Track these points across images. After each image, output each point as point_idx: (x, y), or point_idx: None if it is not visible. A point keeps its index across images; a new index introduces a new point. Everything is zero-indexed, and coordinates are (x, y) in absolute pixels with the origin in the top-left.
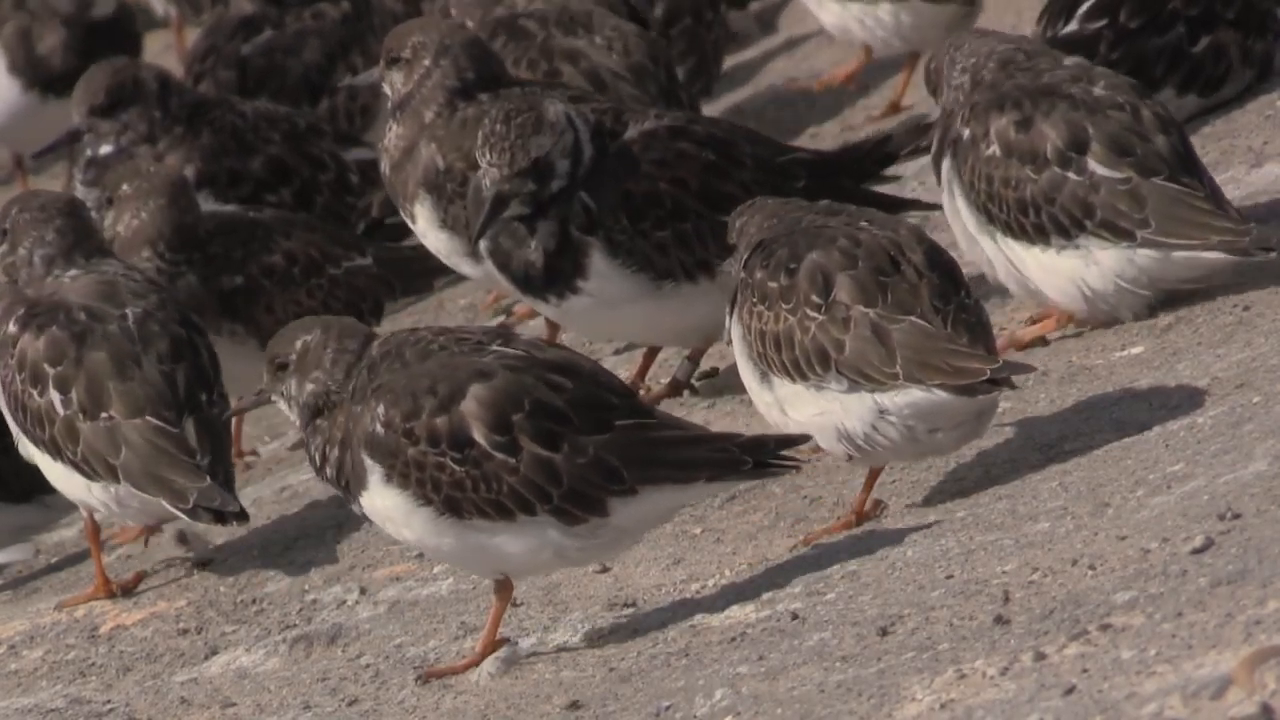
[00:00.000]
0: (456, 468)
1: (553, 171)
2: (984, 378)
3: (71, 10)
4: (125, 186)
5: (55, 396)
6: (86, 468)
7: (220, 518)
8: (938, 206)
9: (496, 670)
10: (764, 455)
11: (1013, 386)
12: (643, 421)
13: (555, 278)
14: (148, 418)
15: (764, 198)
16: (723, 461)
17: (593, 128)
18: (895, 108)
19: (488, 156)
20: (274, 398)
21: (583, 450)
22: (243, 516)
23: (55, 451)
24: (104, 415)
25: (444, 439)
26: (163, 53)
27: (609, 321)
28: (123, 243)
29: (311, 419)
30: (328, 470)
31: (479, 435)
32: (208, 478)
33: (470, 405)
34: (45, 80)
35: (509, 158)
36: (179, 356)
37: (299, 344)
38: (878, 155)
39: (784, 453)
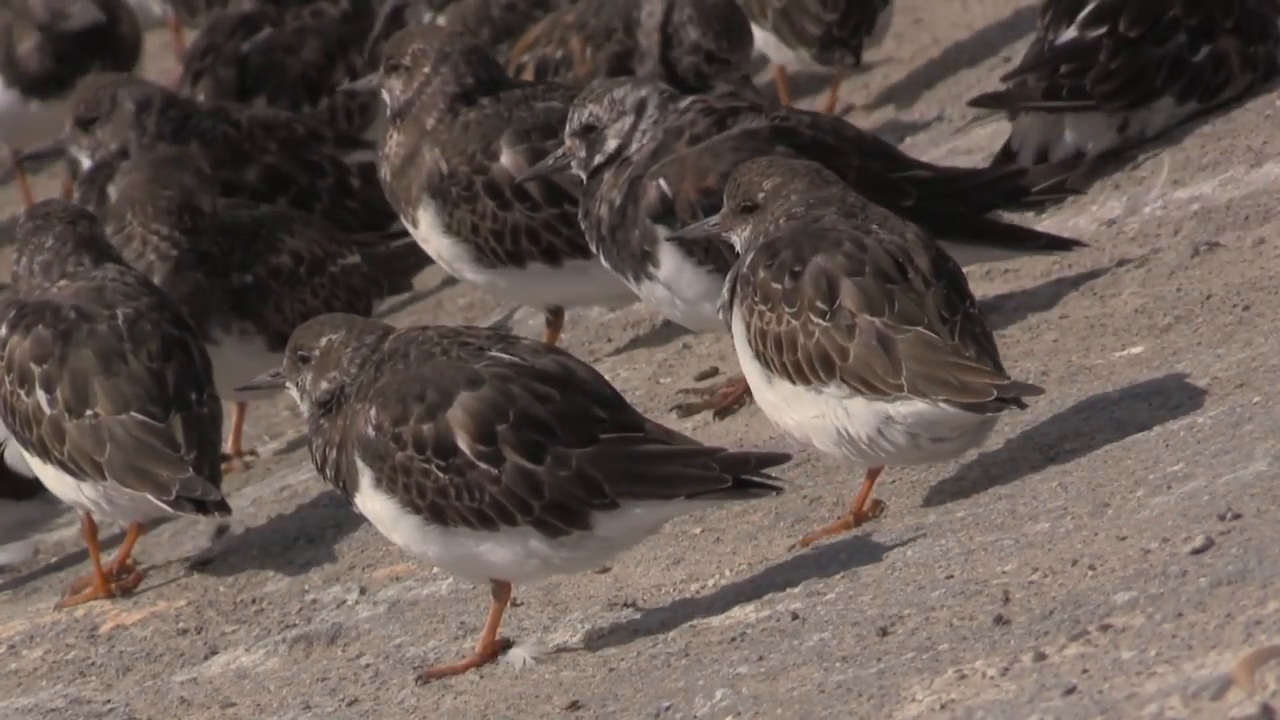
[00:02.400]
0: (441, 475)
1: (602, 143)
2: (992, 396)
3: (45, 19)
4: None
5: (42, 396)
6: (74, 466)
7: (202, 508)
8: (1071, 245)
9: (522, 666)
10: (744, 473)
11: (1022, 406)
12: (627, 435)
13: (628, 257)
14: (133, 413)
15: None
16: (703, 478)
17: (666, 118)
18: (830, 107)
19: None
20: (287, 385)
21: (565, 462)
22: (224, 508)
23: (44, 453)
24: (89, 413)
25: (429, 445)
26: (160, 52)
27: (693, 318)
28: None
29: (319, 415)
30: (327, 470)
31: (463, 444)
32: (190, 469)
33: (456, 413)
34: (24, 82)
35: (570, 116)
36: (169, 355)
37: (324, 341)
38: (1007, 186)
39: (768, 471)
